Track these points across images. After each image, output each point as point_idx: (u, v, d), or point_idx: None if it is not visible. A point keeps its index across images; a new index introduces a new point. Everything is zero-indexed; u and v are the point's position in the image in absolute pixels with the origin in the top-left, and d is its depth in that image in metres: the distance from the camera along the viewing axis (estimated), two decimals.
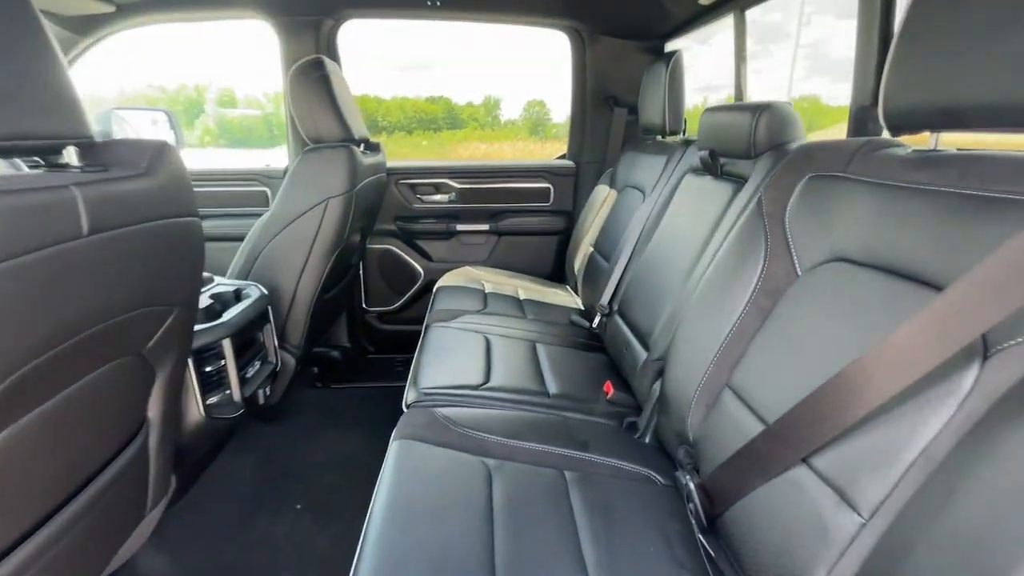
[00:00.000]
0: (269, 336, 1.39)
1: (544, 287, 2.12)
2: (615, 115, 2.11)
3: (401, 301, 2.28)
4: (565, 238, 2.27)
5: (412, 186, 2.19)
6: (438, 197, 2.22)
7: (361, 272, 2.22)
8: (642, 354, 1.23)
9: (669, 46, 1.99)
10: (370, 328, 2.31)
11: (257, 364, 1.34)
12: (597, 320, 1.57)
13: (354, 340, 2.29)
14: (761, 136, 1.07)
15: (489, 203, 2.24)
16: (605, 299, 1.54)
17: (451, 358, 1.32)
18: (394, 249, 2.22)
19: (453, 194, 2.21)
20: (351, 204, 1.50)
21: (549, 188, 2.25)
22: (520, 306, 1.85)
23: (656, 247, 1.38)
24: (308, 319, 1.55)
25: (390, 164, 2.12)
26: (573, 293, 2.12)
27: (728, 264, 0.95)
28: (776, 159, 1.02)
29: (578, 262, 2.07)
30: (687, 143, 1.50)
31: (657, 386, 1.11)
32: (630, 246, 1.52)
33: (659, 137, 1.84)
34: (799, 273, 0.81)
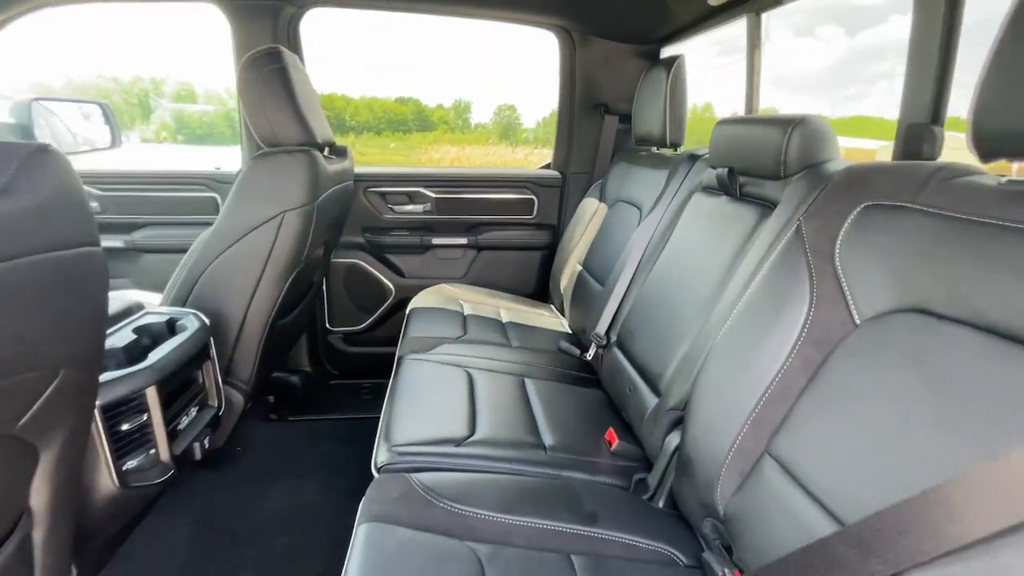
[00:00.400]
0: (210, 375, 1.17)
1: (528, 307, 1.95)
2: (605, 123, 1.96)
3: (369, 320, 2.07)
4: (550, 254, 2.11)
5: (383, 195, 1.98)
6: (411, 207, 2.02)
7: (325, 289, 2.00)
8: (650, 399, 1.08)
9: (666, 51, 1.86)
10: (334, 351, 2.09)
11: (194, 411, 1.11)
12: (592, 351, 1.41)
13: (316, 364, 2.06)
14: (793, 155, 0.93)
15: (468, 215, 2.06)
16: (601, 327, 1.38)
17: (429, 404, 1.14)
18: (362, 264, 2.01)
19: (428, 204, 2.02)
20: (312, 218, 1.30)
21: (533, 199, 2.08)
22: (503, 330, 1.68)
23: (663, 274, 1.23)
24: (260, 350, 1.34)
25: (359, 170, 1.91)
26: (559, 314, 1.96)
27: (763, 304, 0.80)
28: (813, 182, 0.89)
29: (564, 280, 1.91)
30: (693, 157, 1.36)
31: (672, 439, 0.95)
32: (630, 269, 1.36)
33: (654, 149, 1.71)
34: (857, 322, 0.67)
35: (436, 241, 2.04)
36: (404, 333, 1.58)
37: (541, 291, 2.14)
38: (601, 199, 1.88)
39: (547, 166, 2.16)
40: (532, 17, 1.83)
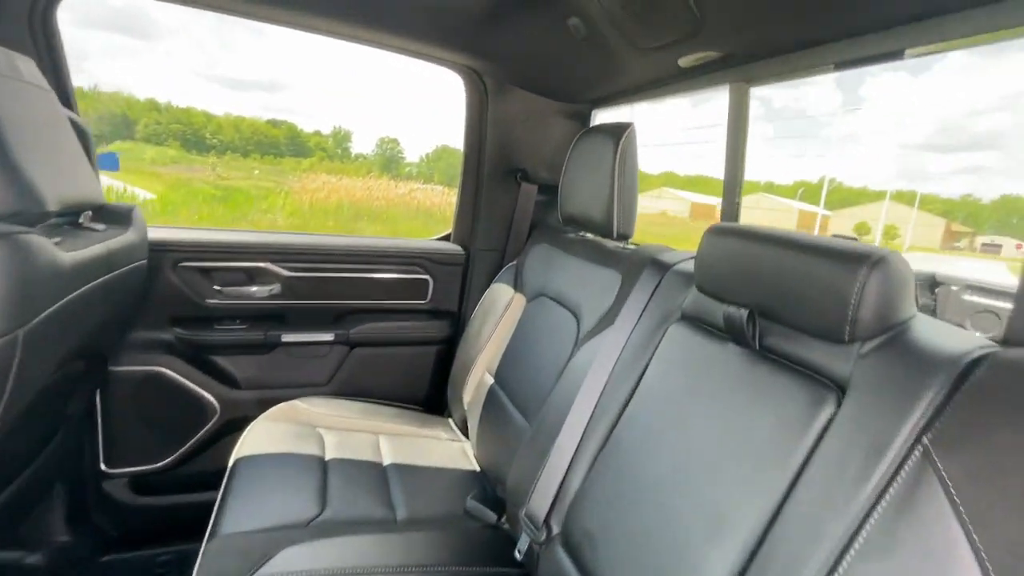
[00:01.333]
0: None
1: (417, 427, 1.44)
2: (522, 192, 1.57)
3: (177, 454, 1.39)
4: (448, 350, 1.63)
5: (205, 271, 1.36)
6: (253, 289, 1.42)
7: (99, 414, 1.30)
8: None
9: (604, 114, 1.53)
10: (113, 505, 1.36)
11: None
12: (523, 542, 0.95)
13: (79, 527, 1.31)
14: (869, 310, 0.59)
15: (336, 299, 1.51)
16: (537, 506, 0.93)
17: None
18: (168, 372, 1.35)
19: (277, 285, 1.43)
20: (16, 350, 0.68)
21: (427, 280, 1.60)
22: (383, 481, 1.15)
23: (638, 441, 0.82)
24: None
25: (167, 235, 1.29)
26: (459, 432, 1.47)
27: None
28: (914, 363, 0.55)
29: (469, 393, 1.43)
30: (658, 265, 0.99)
31: None
32: (579, 417, 0.94)
33: (587, 234, 1.34)
34: None
35: (289, 337, 1.46)
36: (219, 509, 0.98)
37: (436, 399, 1.64)
38: (517, 287, 1.47)
39: (445, 237, 1.70)
40: (435, 52, 1.39)
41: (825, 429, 0.60)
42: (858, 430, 0.56)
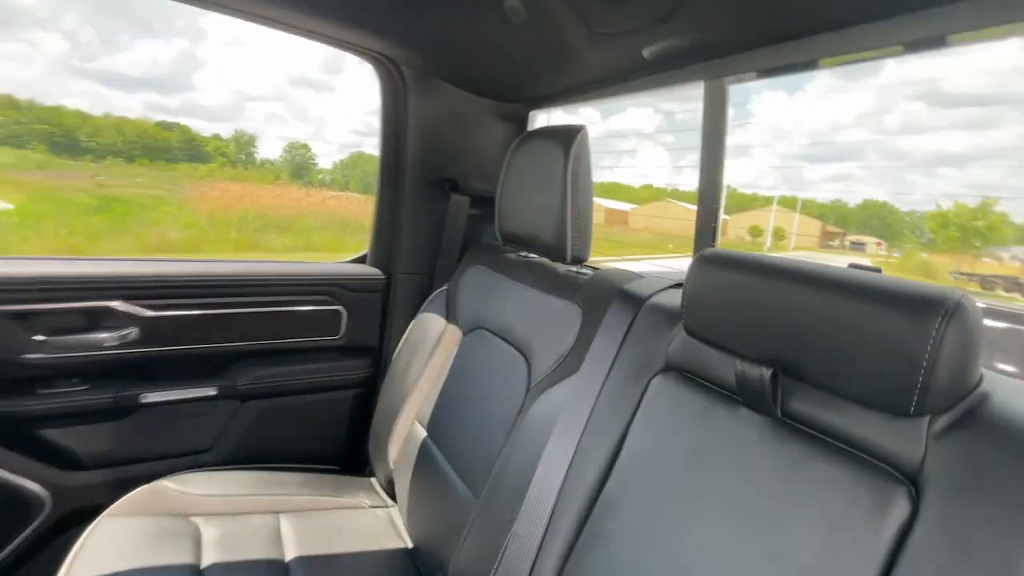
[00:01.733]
0: None
1: (333, 497, 1.16)
2: (452, 205, 1.34)
3: None
4: (368, 395, 1.36)
5: (20, 316, 1.00)
6: (100, 336, 1.07)
7: None
8: None
9: (549, 115, 1.34)
10: None
11: None
12: None
13: None
14: (944, 374, 0.44)
15: (220, 342, 1.19)
16: None
17: None
18: None
19: (134, 330, 1.09)
20: None
21: (339, 312, 1.33)
22: None
23: (631, 537, 0.62)
24: None
25: None
26: (386, 498, 1.21)
27: None
28: (1015, 446, 0.40)
29: (395, 444, 1.18)
30: (631, 299, 0.81)
31: None
32: (544, 494, 0.73)
33: (530, 255, 1.15)
34: None
35: (153, 396, 1.12)
36: None
37: (355, 457, 1.36)
38: (449, 317, 1.24)
39: (361, 259, 1.43)
40: (342, 35, 1.13)
41: (901, 541, 0.44)
42: (955, 546, 0.40)
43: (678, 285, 0.85)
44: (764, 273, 0.57)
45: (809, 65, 0.74)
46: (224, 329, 1.19)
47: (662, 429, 0.66)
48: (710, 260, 0.64)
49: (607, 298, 0.84)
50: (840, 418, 0.51)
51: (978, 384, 0.47)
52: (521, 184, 1.04)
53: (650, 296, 0.79)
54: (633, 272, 0.92)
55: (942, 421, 0.45)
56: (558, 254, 0.95)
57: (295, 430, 1.30)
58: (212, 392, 1.17)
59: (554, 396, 0.83)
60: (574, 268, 1.00)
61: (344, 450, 1.36)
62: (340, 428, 1.35)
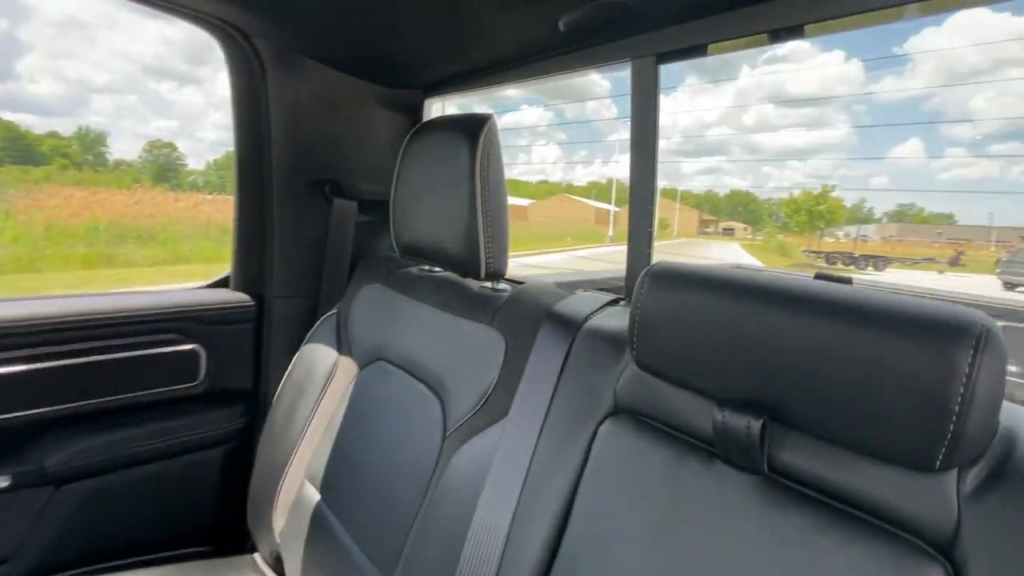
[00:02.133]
0: None
1: None
2: (335, 212, 1.11)
3: None
4: (244, 452, 1.10)
5: None
6: None
7: None
8: None
9: (442, 104, 1.15)
10: None
11: None
12: None
13: None
14: (977, 421, 0.34)
15: (12, 411, 0.87)
16: None
17: None
18: None
19: None
20: None
21: (196, 351, 1.05)
22: None
23: None
24: None
25: None
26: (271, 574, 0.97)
27: None
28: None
29: (280, 512, 0.95)
30: (564, 322, 0.67)
31: None
32: (483, 569, 0.57)
33: (434, 269, 0.97)
34: None
35: None
36: None
37: (232, 530, 1.09)
38: (341, 347, 1.02)
39: (222, 283, 1.15)
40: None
41: None
42: None
43: (615, 302, 0.73)
44: (735, 293, 0.45)
45: (758, 40, 0.65)
46: (19, 393, 0.86)
47: (619, 488, 0.52)
48: (662, 276, 0.51)
49: (534, 321, 0.69)
50: (844, 475, 0.40)
51: (999, 425, 0.38)
52: (420, 184, 0.86)
53: (587, 319, 0.65)
54: (559, 290, 0.78)
55: (973, 475, 0.36)
56: (470, 268, 0.78)
57: (145, 510, 1.00)
58: (4, 484, 0.85)
59: (479, 446, 0.67)
60: (490, 285, 0.84)
61: (216, 524, 1.08)
62: (209, 498, 1.07)
